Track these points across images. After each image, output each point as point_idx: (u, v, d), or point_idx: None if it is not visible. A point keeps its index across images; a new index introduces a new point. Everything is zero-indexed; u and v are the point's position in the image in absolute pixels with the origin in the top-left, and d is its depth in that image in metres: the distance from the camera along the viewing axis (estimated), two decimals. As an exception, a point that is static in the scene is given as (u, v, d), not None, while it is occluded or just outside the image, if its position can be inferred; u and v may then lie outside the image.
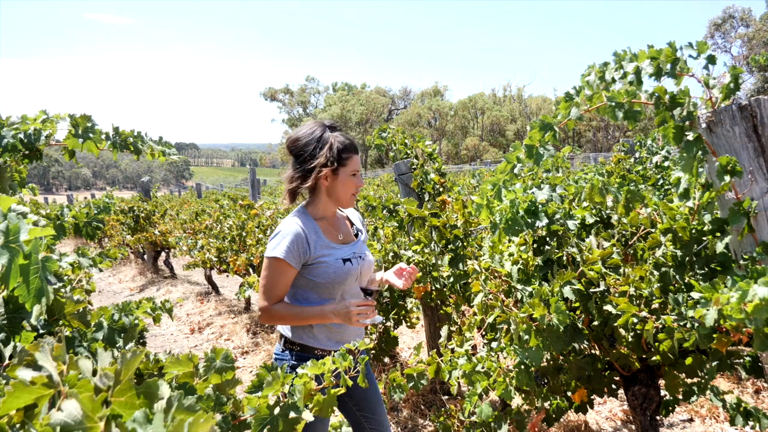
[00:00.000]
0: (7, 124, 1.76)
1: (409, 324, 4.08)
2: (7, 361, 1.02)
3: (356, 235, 2.35)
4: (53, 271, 0.86)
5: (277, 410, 1.17)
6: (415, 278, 2.28)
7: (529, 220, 2.04)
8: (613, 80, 1.69)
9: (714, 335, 1.71)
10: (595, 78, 1.71)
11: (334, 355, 1.41)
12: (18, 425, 0.61)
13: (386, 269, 3.55)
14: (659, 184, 4.37)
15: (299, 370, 1.33)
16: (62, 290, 1.44)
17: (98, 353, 0.67)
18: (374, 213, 3.58)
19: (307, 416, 1.19)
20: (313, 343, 2.20)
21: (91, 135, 1.90)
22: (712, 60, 1.58)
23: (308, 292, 2.18)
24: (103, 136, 1.98)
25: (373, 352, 3.98)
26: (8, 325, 1.06)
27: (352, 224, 2.39)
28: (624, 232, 2.20)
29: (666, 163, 4.70)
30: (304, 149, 2.15)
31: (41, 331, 1.22)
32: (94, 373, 0.61)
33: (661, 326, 1.80)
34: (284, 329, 2.25)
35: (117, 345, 1.41)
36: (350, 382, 1.40)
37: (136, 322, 1.51)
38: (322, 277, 2.14)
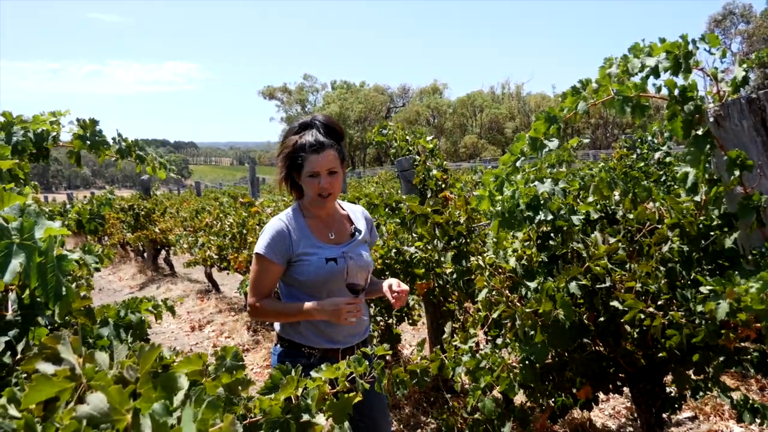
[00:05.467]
0: (18, 122, 1.76)
1: (411, 321, 4.07)
2: (19, 356, 1.01)
3: (353, 235, 2.30)
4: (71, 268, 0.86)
5: (288, 413, 1.15)
6: (405, 300, 2.20)
7: (529, 214, 2.03)
8: (635, 73, 1.67)
9: (722, 331, 1.70)
10: (618, 71, 1.69)
11: (349, 359, 1.39)
12: (39, 419, 0.60)
13: (388, 266, 3.54)
14: (662, 180, 4.36)
15: (313, 374, 1.31)
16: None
17: (114, 346, 0.66)
18: (376, 211, 3.57)
19: (320, 420, 1.17)
20: (300, 340, 2.18)
21: (97, 138, 1.92)
22: (723, 53, 1.57)
23: (297, 290, 2.19)
24: (111, 141, 2.01)
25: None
26: (22, 322, 1.06)
27: (352, 223, 2.34)
28: (629, 228, 2.19)
29: (668, 159, 4.69)
30: (281, 145, 2.20)
31: (50, 327, 1.22)
32: (110, 366, 0.60)
33: (668, 322, 1.79)
34: (276, 325, 2.27)
35: (123, 341, 1.40)
36: (366, 386, 1.38)
37: (143, 318, 1.51)
38: (305, 276, 2.13)
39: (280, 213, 2.24)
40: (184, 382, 0.61)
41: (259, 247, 2.13)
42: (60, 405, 0.59)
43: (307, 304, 2.09)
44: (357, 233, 2.31)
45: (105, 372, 0.58)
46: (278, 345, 2.26)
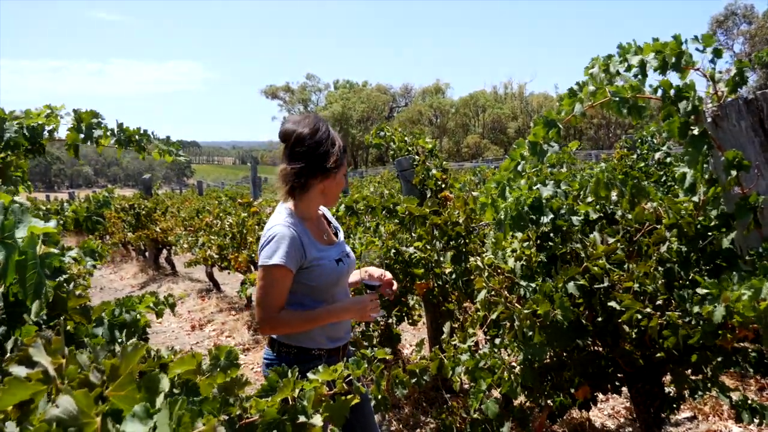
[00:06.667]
0: (10, 118, 1.74)
1: (411, 321, 4.06)
2: (9, 355, 1.01)
3: (335, 234, 2.30)
4: (57, 266, 0.85)
5: (285, 414, 1.15)
6: (396, 289, 2.26)
7: (534, 216, 2.03)
8: (618, 73, 1.67)
9: (719, 332, 1.69)
10: (599, 71, 1.69)
11: (347, 361, 1.38)
12: (15, 421, 0.59)
13: (387, 266, 3.53)
14: (662, 180, 4.35)
15: (310, 375, 1.30)
16: (65, 285, 1.42)
17: (91, 346, 0.65)
18: (374, 213, 3.57)
19: (317, 421, 1.16)
20: (310, 344, 2.12)
21: (94, 131, 1.90)
22: (718, 53, 1.56)
23: (302, 296, 2.10)
24: (109, 132, 1.99)
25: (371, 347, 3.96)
26: (9, 319, 1.05)
27: (329, 223, 2.33)
28: (628, 228, 2.18)
29: (668, 160, 4.68)
30: (318, 146, 2.02)
31: (43, 326, 1.21)
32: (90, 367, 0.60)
33: (665, 322, 1.78)
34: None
35: (118, 340, 1.39)
36: (364, 389, 1.37)
37: (138, 317, 1.50)
38: (318, 280, 2.07)
39: (280, 219, 2.07)
40: (165, 384, 0.61)
41: (278, 258, 1.98)
42: (35, 407, 0.59)
43: (334, 306, 2.08)
44: (338, 231, 2.33)
45: (87, 373, 0.58)
46: (282, 354, 2.14)
